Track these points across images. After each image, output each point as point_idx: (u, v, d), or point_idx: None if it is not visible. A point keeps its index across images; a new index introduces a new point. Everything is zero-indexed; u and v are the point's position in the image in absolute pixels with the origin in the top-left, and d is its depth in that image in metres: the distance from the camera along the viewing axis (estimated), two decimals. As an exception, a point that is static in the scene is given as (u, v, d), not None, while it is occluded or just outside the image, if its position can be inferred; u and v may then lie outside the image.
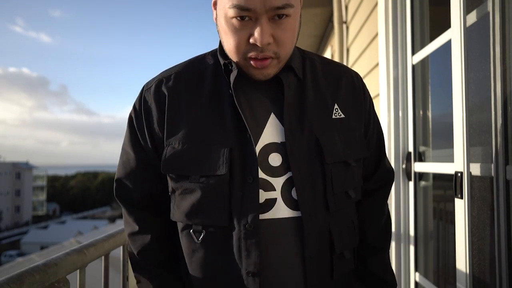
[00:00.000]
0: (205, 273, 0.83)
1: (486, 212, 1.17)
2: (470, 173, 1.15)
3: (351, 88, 0.92)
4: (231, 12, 0.75)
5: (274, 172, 0.81)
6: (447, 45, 1.34)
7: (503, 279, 1.05)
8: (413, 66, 1.74)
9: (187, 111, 0.84)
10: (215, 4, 0.82)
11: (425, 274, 1.68)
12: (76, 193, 78.55)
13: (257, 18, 0.74)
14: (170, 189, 0.85)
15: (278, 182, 0.81)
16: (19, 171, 59.26)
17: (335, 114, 0.87)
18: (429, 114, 1.68)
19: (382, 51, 1.92)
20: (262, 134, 0.82)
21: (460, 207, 1.18)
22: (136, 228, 0.89)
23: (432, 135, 1.66)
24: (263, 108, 0.84)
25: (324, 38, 4.18)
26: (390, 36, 1.85)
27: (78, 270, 1.00)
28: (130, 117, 0.89)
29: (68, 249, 0.99)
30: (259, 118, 0.83)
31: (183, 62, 0.91)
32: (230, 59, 0.83)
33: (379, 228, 0.99)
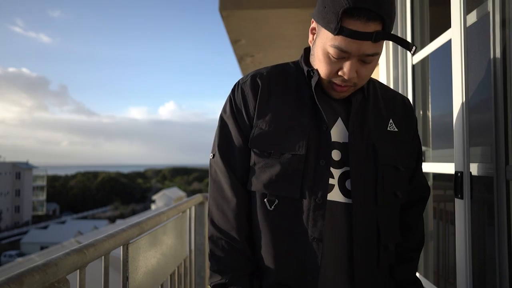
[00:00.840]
0: (274, 235, 0.98)
1: (486, 212, 1.17)
2: (470, 173, 1.15)
3: (403, 109, 1.11)
4: (331, 50, 0.91)
5: (334, 164, 0.98)
6: (447, 45, 1.34)
7: (503, 279, 1.05)
8: (413, 66, 1.74)
9: (275, 101, 1.02)
10: (313, 30, 0.99)
11: (425, 274, 1.68)
12: (76, 193, 78.49)
13: (349, 58, 0.91)
14: (252, 162, 1.01)
15: (337, 172, 0.98)
16: (19, 171, 59.24)
17: (390, 127, 1.05)
18: (429, 114, 1.68)
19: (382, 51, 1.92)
20: (331, 133, 0.99)
21: (460, 207, 1.18)
22: (234, 201, 1.01)
23: (432, 135, 1.66)
24: (333, 112, 1.01)
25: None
26: (390, 36, 1.85)
27: (78, 270, 1.00)
28: (230, 105, 1.06)
29: (68, 249, 0.99)
30: (329, 119, 1.00)
31: (270, 66, 1.10)
32: (312, 67, 1.01)
33: (409, 241, 1.12)
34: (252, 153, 1.01)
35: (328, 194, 0.96)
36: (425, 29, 1.70)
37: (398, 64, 1.82)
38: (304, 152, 0.96)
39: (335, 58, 0.92)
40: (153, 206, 43.88)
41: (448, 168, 1.33)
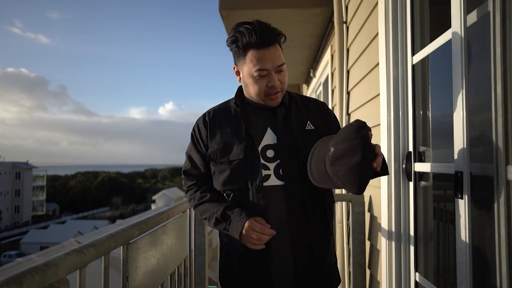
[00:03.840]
0: None
1: (486, 212, 1.17)
2: (470, 173, 1.15)
3: (319, 111, 1.54)
4: (256, 73, 1.37)
5: (269, 160, 1.43)
6: (447, 45, 1.34)
7: (504, 279, 1.05)
8: (413, 66, 1.74)
9: (220, 128, 1.49)
10: (238, 72, 1.47)
11: (425, 274, 1.68)
12: (76, 193, 78.37)
13: (270, 72, 1.37)
14: (212, 171, 1.49)
15: (271, 165, 1.43)
16: (19, 171, 59.18)
17: (308, 127, 1.48)
18: (429, 114, 1.68)
19: (382, 51, 1.92)
20: (263, 139, 1.44)
21: (460, 207, 1.18)
22: (194, 181, 1.54)
23: (432, 135, 1.66)
24: (263, 125, 1.47)
25: (324, 38, 4.18)
26: (390, 36, 1.85)
27: (78, 270, 1.00)
28: (192, 136, 1.55)
29: (68, 249, 0.99)
30: (261, 130, 1.46)
31: (218, 104, 1.58)
32: (238, 100, 1.50)
33: None
34: (211, 164, 1.48)
35: (266, 182, 1.40)
36: (425, 29, 1.70)
37: (398, 64, 1.82)
38: (242, 156, 1.40)
39: (260, 76, 1.37)
40: (153, 206, 43.85)
41: (448, 168, 1.33)
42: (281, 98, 1.44)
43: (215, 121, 1.51)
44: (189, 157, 1.56)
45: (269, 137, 1.44)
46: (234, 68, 1.47)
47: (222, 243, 1.55)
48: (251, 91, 1.43)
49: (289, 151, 1.41)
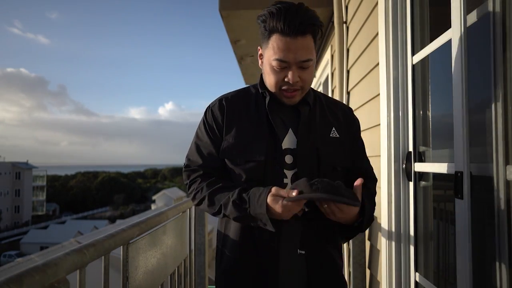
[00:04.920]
0: None
1: (486, 212, 1.17)
2: (470, 173, 1.15)
3: (345, 117, 1.36)
4: (274, 63, 1.18)
5: (287, 167, 1.24)
6: (447, 45, 1.34)
7: (504, 279, 1.05)
8: (413, 66, 1.74)
9: (238, 119, 1.28)
10: (261, 55, 1.27)
11: (425, 274, 1.68)
12: (76, 193, 78.33)
13: (290, 66, 1.17)
14: (228, 167, 1.28)
15: (289, 173, 1.24)
16: (19, 171, 59.16)
17: (332, 134, 1.30)
18: (429, 114, 1.68)
19: (382, 51, 1.92)
20: (283, 142, 1.25)
21: (460, 207, 1.18)
22: (201, 173, 1.31)
23: (432, 135, 1.66)
24: (284, 124, 1.27)
25: (324, 38, 4.18)
26: (390, 36, 1.85)
27: (78, 270, 1.00)
28: (204, 123, 1.33)
29: (68, 249, 0.99)
30: (282, 130, 1.26)
31: (235, 90, 1.37)
32: (264, 89, 1.29)
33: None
34: (226, 161, 1.28)
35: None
36: (425, 29, 1.70)
37: (398, 64, 1.82)
38: (263, 158, 1.21)
39: (278, 67, 1.18)
40: (153, 206, 43.85)
41: (448, 168, 1.33)
42: (300, 97, 1.25)
43: (233, 109, 1.30)
44: (197, 148, 1.33)
45: (289, 140, 1.25)
46: (258, 49, 1.27)
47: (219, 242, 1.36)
48: (267, 81, 1.25)
49: (309, 159, 1.23)
